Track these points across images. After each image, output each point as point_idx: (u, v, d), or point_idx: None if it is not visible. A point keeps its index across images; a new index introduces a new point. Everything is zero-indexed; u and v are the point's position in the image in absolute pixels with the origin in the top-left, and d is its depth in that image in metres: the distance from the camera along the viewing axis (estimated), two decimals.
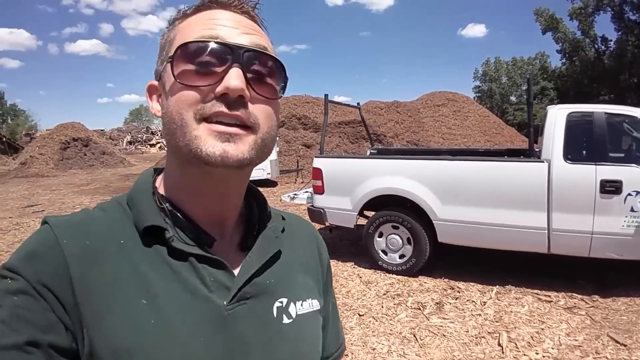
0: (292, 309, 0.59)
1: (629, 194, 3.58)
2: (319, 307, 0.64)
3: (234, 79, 0.49)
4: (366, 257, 4.85)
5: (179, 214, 0.55)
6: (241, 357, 0.52)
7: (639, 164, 3.66)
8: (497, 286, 4.17)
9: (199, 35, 0.51)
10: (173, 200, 0.57)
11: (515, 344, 3.10)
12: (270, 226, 0.63)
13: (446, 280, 4.39)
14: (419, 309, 3.74)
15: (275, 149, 12.74)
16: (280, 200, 7.22)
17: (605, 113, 3.90)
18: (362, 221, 5.05)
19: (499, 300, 3.88)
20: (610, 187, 3.61)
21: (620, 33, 30.25)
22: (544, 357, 2.92)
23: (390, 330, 3.35)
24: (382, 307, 3.79)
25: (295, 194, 6.05)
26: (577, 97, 28.57)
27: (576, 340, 3.13)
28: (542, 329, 3.31)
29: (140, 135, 39.85)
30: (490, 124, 19.12)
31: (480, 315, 3.59)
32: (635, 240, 3.60)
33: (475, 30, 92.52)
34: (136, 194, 0.57)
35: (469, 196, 4.14)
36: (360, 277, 4.52)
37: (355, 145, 17.34)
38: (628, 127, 3.97)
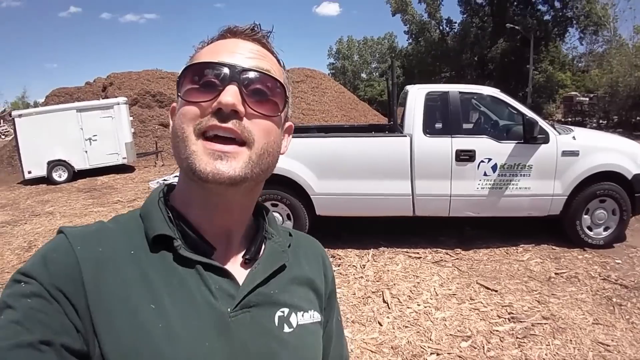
0: (293, 319, 0.60)
1: (482, 161, 4.18)
2: (319, 320, 0.65)
3: (228, 95, 0.52)
4: None
5: (184, 225, 0.57)
6: None
7: (489, 135, 4.28)
8: (372, 249, 4.52)
9: (205, 59, 0.56)
10: (182, 211, 0.59)
11: (398, 299, 3.43)
12: (277, 241, 0.65)
13: (326, 249, 4.55)
14: None
15: (131, 131, 11.57)
16: (149, 187, 6.63)
17: (459, 92, 4.45)
18: None
19: (375, 261, 4.22)
20: (465, 156, 4.17)
21: (465, 15, 34.33)
22: (425, 307, 3.29)
23: None
24: None
25: (164, 179, 5.59)
26: (420, 75, 31.91)
27: (449, 289, 3.58)
28: (418, 283, 3.72)
29: None
30: (346, 100, 20.27)
31: (362, 277, 3.86)
32: (488, 200, 4.25)
33: (330, 8, 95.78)
34: (149, 206, 0.59)
35: (343, 170, 4.35)
36: None
37: None
38: (477, 103, 4.57)
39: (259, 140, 0.55)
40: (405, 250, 4.48)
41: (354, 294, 3.54)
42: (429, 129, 4.30)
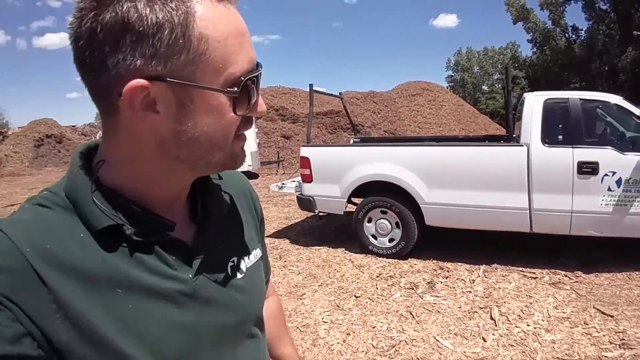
0: (242, 265, 0.67)
1: (606, 175, 3.82)
2: (261, 254, 0.74)
3: (263, 104, 0.56)
4: (356, 242, 5.00)
5: (134, 206, 0.56)
6: (210, 317, 0.59)
7: (614, 146, 3.92)
8: (484, 265, 4.38)
9: (243, 59, 0.51)
10: (127, 191, 0.56)
11: (507, 317, 3.30)
12: (212, 192, 0.67)
13: (435, 261, 4.57)
14: (412, 288, 3.92)
15: (255, 141, 12.72)
16: (269, 190, 7.29)
17: (580, 99, 4.14)
18: (350, 208, 5.20)
19: (486, 278, 4.09)
20: (587, 169, 3.85)
21: (591, 22, 31.11)
22: (535, 328, 3.13)
23: (387, 309, 3.51)
24: (377, 288, 3.94)
25: (283, 184, 6.13)
26: (548, 86, 29.39)
27: (564, 312, 3.35)
28: (531, 303, 3.53)
29: None
30: (465, 113, 19.58)
31: (470, 292, 3.79)
32: (613, 217, 3.86)
33: (447, 20, 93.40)
34: (77, 191, 0.54)
35: (454, 180, 4.33)
36: (353, 262, 4.66)
37: (333, 136, 17.47)
38: (602, 112, 4.21)
39: None
40: (520, 269, 4.25)
41: (460, 307, 3.51)
42: (547, 139, 4.07)
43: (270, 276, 0.90)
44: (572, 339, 2.97)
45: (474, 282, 4.00)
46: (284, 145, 15.94)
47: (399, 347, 2.92)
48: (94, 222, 0.52)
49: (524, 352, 2.85)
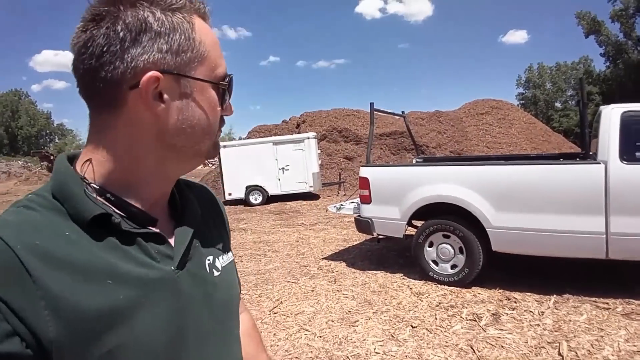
0: (217, 263, 0.70)
1: None
2: (232, 257, 0.77)
3: (232, 106, 0.67)
4: (416, 268, 4.75)
5: (117, 199, 0.59)
6: (191, 310, 0.61)
7: None
8: (555, 295, 3.97)
9: (222, 66, 0.63)
10: (113, 188, 0.60)
11: (576, 353, 2.94)
12: (189, 196, 0.73)
13: (501, 290, 4.20)
14: (475, 320, 3.60)
15: (318, 162, 12.81)
16: (327, 211, 7.23)
17: None
18: (410, 231, 4.97)
19: (557, 309, 3.69)
20: None
21: None
22: None
23: (446, 342, 3.24)
24: (436, 318, 3.68)
25: (341, 205, 6.03)
26: (622, 101, 26.96)
27: (635, 345, 2.94)
28: (602, 337, 3.14)
29: None
30: (537, 131, 18.41)
31: (538, 325, 3.42)
32: None
33: (516, 36, 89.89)
34: (66, 187, 0.57)
35: (524, 202, 3.98)
36: (411, 289, 4.41)
37: (397, 157, 17.15)
38: None
39: None
40: (593, 299, 3.80)
41: (526, 342, 3.15)
42: (626, 155, 3.63)
43: (241, 290, 0.88)
44: None
45: (542, 314, 3.61)
46: (346, 166, 15.88)
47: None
48: (85, 213, 0.55)
49: None
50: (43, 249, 0.51)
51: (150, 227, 0.61)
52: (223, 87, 0.63)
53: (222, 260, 0.72)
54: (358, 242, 6.78)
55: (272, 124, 19.58)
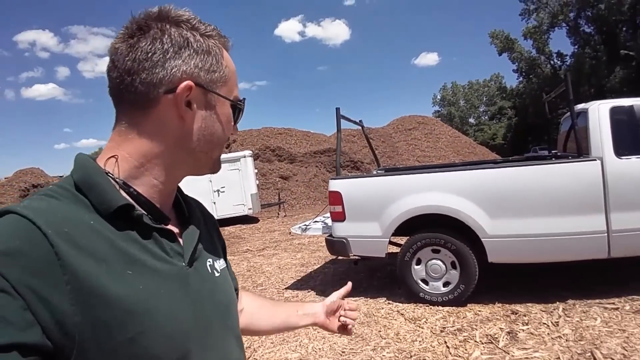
0: (217, 265, 0.76)
1: None
2: (225, 265, 0.81)
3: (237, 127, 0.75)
4: (398, 290, 4.24)
5: (140, 195, 0.63)
6: (200, 304, 0.65)
7: None
8: (557, 303, 3.69)
9: (237, 90, 0.72)
10: (132, 184, 0.64)
11: (611, 359, 2.63)
12: (193, 203, 0.80)
13: (500, 305, 3.83)
14: (491, 342, 3.14)
15: (255, 182, 12.01)
16: (290, 233, 6.52)
17: None
18: (392, 248, 4.46)
19: (568, 317, 3.42)
20: None
21: (577, 47, 32.03)
22: None
23: None
24: (448, 347, 3.16)
25: (306, 225, 5.38)
26: (536, 113, 29.66)
27: None
28: (628, 337, 2.95)
29: None
30: (462, 144, 19.33)
31: (560, 337, 3.09)
32: None
33: (428, 58, 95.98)
34: (90, 179, 0.60)
35: (519, 206, 3.67)
36: (403, 314, 3.86)
37: (333, 174, 16.94)
38: None
39: None
40: (597, 301, 3.61)
41: (558, 358, 2.77)
42: (621, 150, 3.53)
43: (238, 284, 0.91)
44: None
45: (558, 325, 3.29)
46: (283, 186, 15.26)
47: None
48: (111, 202, 0.58)
49: None
50: (71, 236, 0.53)
51: (165, 225, 0.65)
52: (240, 106, 0.72)
53: (219, 264, 0.76)
54: (318, 265, 6.14)
55: None
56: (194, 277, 0.66)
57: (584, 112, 3.86)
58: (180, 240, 0.68)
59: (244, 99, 0.73)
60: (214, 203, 11.39)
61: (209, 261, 0.73)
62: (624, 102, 3.77)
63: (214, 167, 0.71)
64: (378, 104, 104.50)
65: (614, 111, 3.68)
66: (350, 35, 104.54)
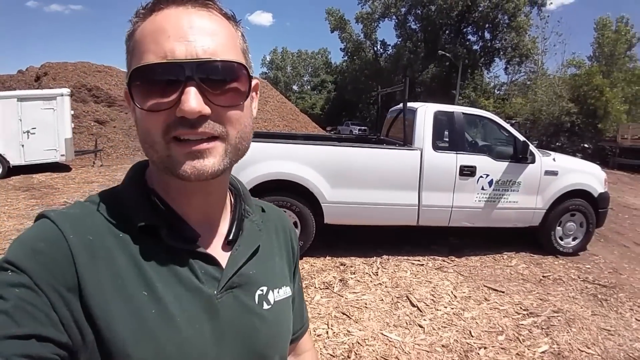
0: (270, 296, 0.66)
1: (481, 177, 4.63)
2: (290, 294, 0.72)
3: (189, 100, 0.50)
4: None
5: (169, 212, 0.58)
6: (230, 340, 0.58)
7: (487, 153, 4.78)
8: (375, 257, 4.72)
9: (150, 54, 0.51)
10: (163, 196, 0.59)
11: (425, 303, 3.66)
12: (254, 219, 0.68)
13: (330, 258, 4.69)
14: (328, 288, 3.93)
15: (71, 126, 10.64)
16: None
17: (463, 113, 4.90)
18: None
19: (385, 269, 4.42)
20: (467, 171, 4.59)
21: (400, 40, 36.14)
22: (452, 309, 3.57)
23: (318, 313, 3.43)
24: None
25: None
26: (354, 91, 33.05)
27: (464, 292, 3.90)
28: (434, 287, 3.99)
29: None
30: (287, 110, 20.45)
31: (381, 284, 4.04)
32: (483, 211, 4.72)
33: (262, 17, 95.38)
34: (128, 191, 0.59)
35: (356, 179, 4.52)
36: None
37: None
38: (481, 125, 5.02)
39: (232, 132, 0.55)
40: (406, 257, 4.75)
41: (382, 299, 3.70)
42: (436, 145, 4.66)
43: (309, 327, 0.86)
44: (485, 314, 3.51)
45: (377, 275, 4.27)
46: (99, 131, 13.76)
47: (358, 350, 2.90)
48: (133, 221, 0.55)
49: (458, 331, 3.22)
50: (93, 245, 0.52)
51: (199, 247, 0.59)
52: (126, 84, 0.58)
53: (276, 294, 0.67)
54: None
55: (6, 74, 15.07)
56: (229, 308, 0.59)
57: (413, 111, 4.91)
58: (223, 263, 0.60)
59: (143, 66, 0.51)
60: (22, 146, 9.70)
61: (261, 290, 0.64)
62: (446, 108, 4.94)
63: (171, 168, 0.53)
64: None
65: (437, 114, 4.80)
66: None
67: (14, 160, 9.70)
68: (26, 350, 0.44)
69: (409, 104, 5.05)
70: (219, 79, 0.53)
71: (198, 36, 0.51)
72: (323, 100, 45.87)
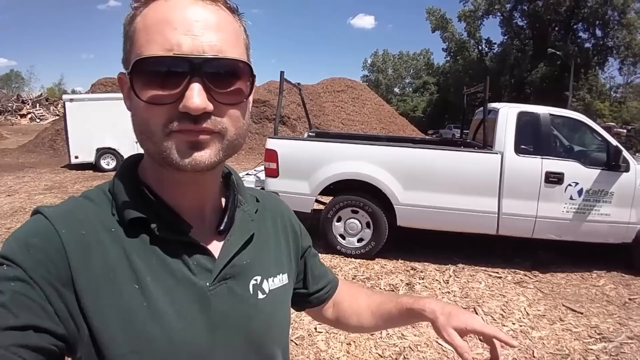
0: (265, 286, 0.65)
1: (569, 185, 4.16)
2: (287, 282, 0.71)
3: (194, 97, 0.50)
4: (321, 242, 4.81)
5: (161, 204, 0.58)
6: (224, 331, 0.58)
7: (577, 159, 4.27)
8: (449, 265, 4.49)
9: (154, 45, 0.51)
10: (155, 189, 0.59)
11: (492, 317, 3.40)
12: (246, 209, 0.68)
13: (402, 261, 4.57)
14: (393, 290, 3.85)
15: None
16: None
17: (550, 114, 4.42)
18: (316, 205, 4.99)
19: (457, 278, 4.18)
20: (554, 178, 4.15)
21: (506, 37, 34.09)
22: (520, 326, 3.26)
23: None
24: None
25: (247, 174, 5.70)
26: (457, 93, 31.71)
27: (539, 310, 3.53)
28: (507, 302, 3.68)
29: (10, 104, 34.29)
30: (385, 113, 20.28)
31: (449, 292, 3.84)
32: (572, 223, 4.21)
33: (365, 21, 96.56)
34: (119, 184, 0.59)
35: (430, 182, 4.35)
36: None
37: (258, 126, 16.98)
38: (570, 128, 4.54)
39: (231, 129, 0.55)
40: (483, 269, 4.44)
41: None
42: (519, 149, 4.29)
43: (338, 282, 0.91)
44: (556, 335, 3.15)
45: (448, 283, 4.06)
46: None
47: (407, 354, 2.81)
48: (123, 214, 0.56)
49: (520, 350, 2.93)
50: (85, 240, 0.53)
51: (191, 237, 0.58)
52: (128, 74, 0.56)
53: (271, 283, 0.66)
54: None
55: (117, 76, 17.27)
56: (223, 299, 0.58)
57: (495, 111, 4.59)
58: (215, 253, 0.60)
59: (147, 58, 0.51)
60: (136, 143, 10.38)
61: (255, 280, 0.63)
62: (530, 109, 4.54)
63: (168, 159, 0.52)
64: (308, 61, 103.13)
65: (521, 115, 4.42)
66: None
67: (128, 154, 10.95)
68: (24, 341, 0.45)
69: (492, 104, 4.71)
70: (224, 76, 0.53)
71: (204, 30, 0.51)
72: (425, 103, 44.78)
